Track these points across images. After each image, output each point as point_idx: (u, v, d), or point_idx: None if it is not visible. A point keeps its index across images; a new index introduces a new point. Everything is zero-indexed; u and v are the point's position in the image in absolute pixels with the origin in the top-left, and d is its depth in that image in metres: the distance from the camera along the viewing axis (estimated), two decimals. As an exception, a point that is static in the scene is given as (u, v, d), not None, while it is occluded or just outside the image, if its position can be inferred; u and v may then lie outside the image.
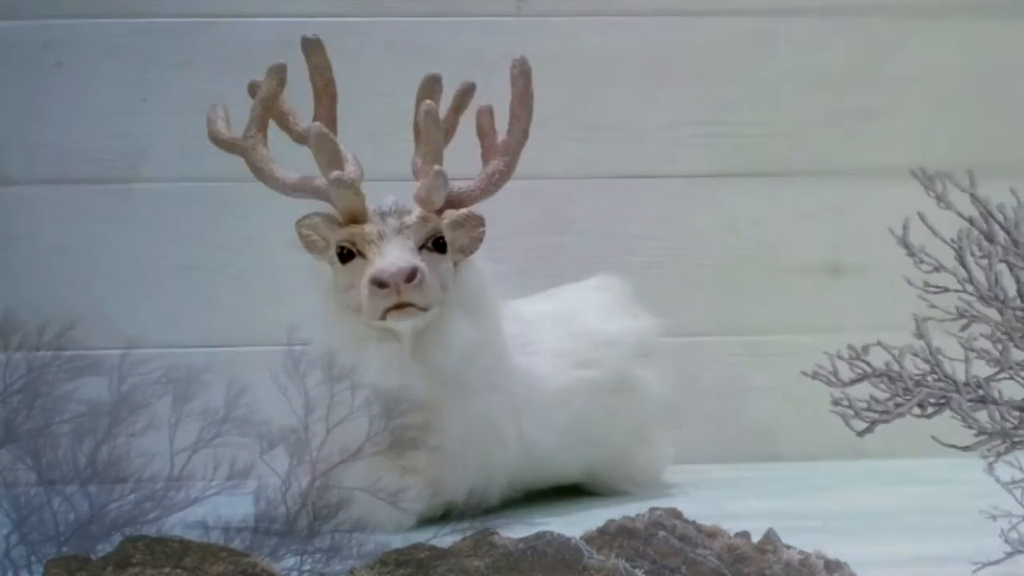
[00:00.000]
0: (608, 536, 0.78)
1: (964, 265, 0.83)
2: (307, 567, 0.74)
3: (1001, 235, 0.83)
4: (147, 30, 1.59)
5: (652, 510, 0.79)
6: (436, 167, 1.17)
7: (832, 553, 0.81)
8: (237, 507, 0.82)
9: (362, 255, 1.17)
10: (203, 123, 1.21)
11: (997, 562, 0.85)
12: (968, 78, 1.65)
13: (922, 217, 0.84)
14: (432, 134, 1.18)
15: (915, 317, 0.84)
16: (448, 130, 1.25)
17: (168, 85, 1.59)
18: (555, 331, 1.32)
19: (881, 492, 1.35)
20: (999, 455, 0.84)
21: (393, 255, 1.14)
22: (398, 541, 0.75)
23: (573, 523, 0.82)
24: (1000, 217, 0.84)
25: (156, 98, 1.59)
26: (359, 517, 0.91)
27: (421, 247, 1.17)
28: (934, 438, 0.86)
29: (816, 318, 1.60)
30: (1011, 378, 0.84)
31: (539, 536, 0.74)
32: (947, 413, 0.84)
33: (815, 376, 0.86)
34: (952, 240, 0.84)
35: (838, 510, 1.25)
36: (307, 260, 1.22)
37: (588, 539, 0.77)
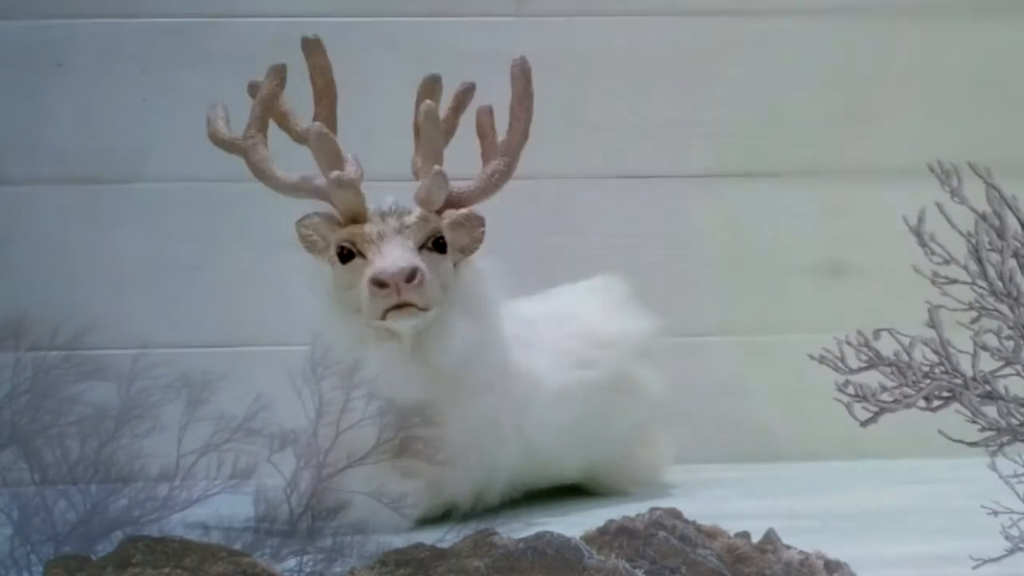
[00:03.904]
0: (608, 536, 0.78)
1: (978, 259, 0.83)
2: (308, 568, 0.74)
3: (1013, 230, 0.83)
4: (147, 30, 1.59)
5: (652, 510, 0.79)
6: (436, 167, 1.17)
7: (832, 553, 0.81)
8: (239, 507, 0.82)
9: (362, 255, 1.17)
10: (203, 123, 1.21)
11: (997, 559, 0.84)
12: (968, 78, 1.65)
13: (939, 206, 0.84)
14: (432, 134, 1.18)
15: (929, 305, 0.83)
16: (448, 130, 1.26)
17: (168, 85, 1.59)
18: (555, 331, 1.32)
19: (881, 492, 1.35)
20: (1001, 445, 0.83)
21: (393, 255, 1.14)
22: (398, 541, 0.75)
23: (573, 523, 0.82)
24: (1014, 210, 0.83)
25: (156, 98, 1.59)
26: (359, 520, 0.91)
27: (421, 247, 1.17)
28: (941, 432, 0.86)
29: (816, 318, 1.60)
30: (1018, 374, 0.84)
31: (539, 536, 0.74)
32: (949, 410, 0.84)
33: (822, 361, 0.86)
34: (968, 233, 0.83)
35: (838, 510, 1.24)
36: (305, 260, 1.22)
37: (588, 539, 0.77)
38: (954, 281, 0.85)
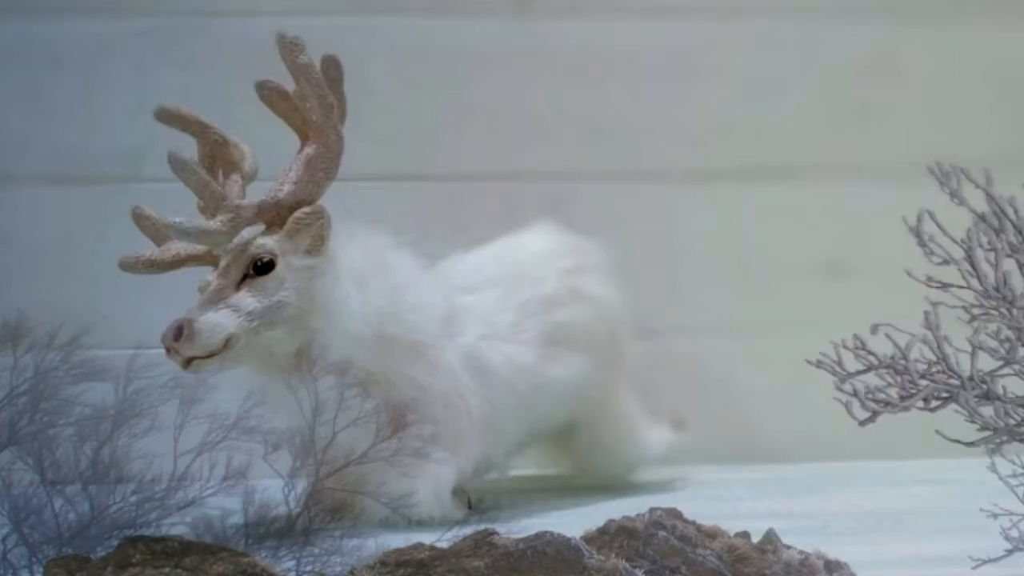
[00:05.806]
0: (608, 536, 0.78)
1: (972, 261, 0.83)
2: (307, 567, 0.74)
3: (1011, 232, 0.83)
4: (147, 29, 1.59)
5: (652, 510, 0.80)
6: (165, 221, 1.15)
7: (832, 553, 0.81)
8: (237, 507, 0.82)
9: None
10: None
11: (997, 560, 0.85)
12: (969, 78, 1.65)
13: (931, 214, 0.84)
14: (189, 180, 1.14)
15: (927, 306, 0.83)
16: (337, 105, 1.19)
17: (168, 84, 1.58)
18: (494, 265, 1.32)
19: (882, 492, 1.35)
20: (999, 445, 0.83)
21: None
22: (398, 541, 0.75)
23: (573, 523, 0.81)
24: (1012, 213, 0.83)
25: (156, 97, 1.59)
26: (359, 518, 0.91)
27: (244, 278, 1.16)
28: (939, 432, 0.86)
29: (815, 318, 1.60)
30: (1016, 374, 0.84)
31: (539, 536, 0.74)
32: (948, 410, 0.84)
33: (819, 365, 0.86)
34: (961, 241, 0.84)
35: (838, 510, 1.25)
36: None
37: (588, 539, 0.77)
38: (950, 285, 0.85)
